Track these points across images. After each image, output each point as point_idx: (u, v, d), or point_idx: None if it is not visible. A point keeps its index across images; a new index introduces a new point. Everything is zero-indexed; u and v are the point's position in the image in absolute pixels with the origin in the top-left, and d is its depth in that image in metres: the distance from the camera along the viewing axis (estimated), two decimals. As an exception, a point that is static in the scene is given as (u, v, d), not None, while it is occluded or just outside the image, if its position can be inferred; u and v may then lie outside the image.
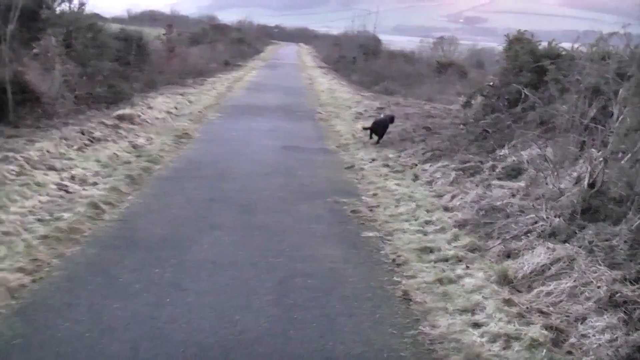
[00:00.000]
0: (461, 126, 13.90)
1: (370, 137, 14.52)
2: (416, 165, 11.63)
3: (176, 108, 17.49)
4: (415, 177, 10.88)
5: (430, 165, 11.32)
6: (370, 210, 9.04)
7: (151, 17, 61.96)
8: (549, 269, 6.27)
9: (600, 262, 6.10)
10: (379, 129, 14.44)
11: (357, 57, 38.29)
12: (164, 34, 27.13)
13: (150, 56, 22.69)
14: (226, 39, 46.62)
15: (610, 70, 9.24)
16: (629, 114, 7.43)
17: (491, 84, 13.80)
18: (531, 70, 12.12)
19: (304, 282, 6.26)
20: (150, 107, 16.37)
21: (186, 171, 10.69)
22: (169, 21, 36.10)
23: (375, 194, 9.88)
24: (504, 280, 6.29)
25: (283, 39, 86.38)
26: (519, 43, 13.32)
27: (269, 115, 18.36)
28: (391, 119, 14.92)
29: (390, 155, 12.74)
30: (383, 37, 50.46)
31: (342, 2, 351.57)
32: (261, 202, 9.17)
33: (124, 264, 6.37)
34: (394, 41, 54.01)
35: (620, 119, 7.61)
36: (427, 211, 8.85)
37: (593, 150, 7.60)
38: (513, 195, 8.56)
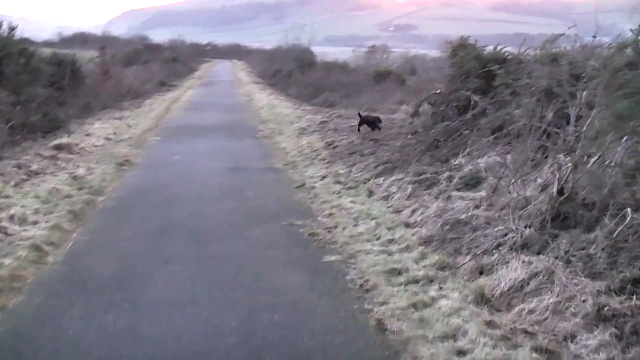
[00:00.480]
0: (409, 136, 13.62)
1: (359, 130, 15.92)
2: (369, 180, 11.25)
3: (115, 133, 16.90)
4: (370, 193, 10.51)
5: (383, 179, 10.93)
6: (328, 231, 8.62)
7: (82, 40, 61.00)
8: (528, 284, 5.95)
9: (580, 272, 5.80)
10: (368, 122, 15.85)
11: (293, 71, 37.87)
12: (97, 57, 26.46)
13: (85, 80, 22.10)
14: (160, 58, 45.99)
15: (563, 72, 9.07)
16: (597, 116, 7.20)
17: (438, 92, 13.55)
18: (479, 76, 11.90)
19: (270, 318, 5.80)
20: (88, 134, 15.87)
21: (131, 201, 10.18)
22: (101, 43, 35.42)
23: (331, 214, 9.46)
24: (482, 299, 5.95)
25: (216, 56, 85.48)
26: (463, 49, 13.12)
27: (210, 135, 17.87)
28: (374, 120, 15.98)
29: (341, 171, 12.34)
30: (315, 49, 50.15)
31: (272, 17, 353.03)
32: (213, 229, 8.73)
33: (72, 312, 5.82)
34: (326, 52, 53.74)
35: (588, 121, 7.38)
36: (388, 229, 8.49)
37: (560, 155, 7.36)
38: (476, 207, 8.22)
